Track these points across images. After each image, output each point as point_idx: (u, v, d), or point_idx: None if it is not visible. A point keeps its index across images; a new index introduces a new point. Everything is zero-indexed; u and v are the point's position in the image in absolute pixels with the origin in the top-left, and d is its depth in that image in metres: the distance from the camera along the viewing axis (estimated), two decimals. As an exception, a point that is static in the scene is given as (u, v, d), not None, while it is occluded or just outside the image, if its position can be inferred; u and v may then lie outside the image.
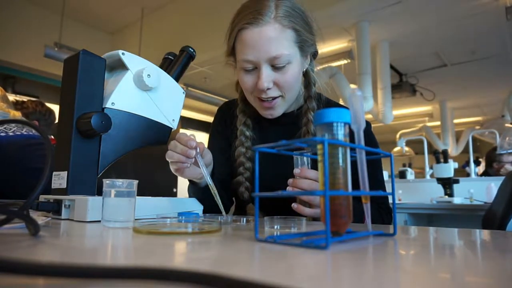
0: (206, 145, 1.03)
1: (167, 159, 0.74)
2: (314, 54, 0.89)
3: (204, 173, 0.72)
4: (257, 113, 0.92)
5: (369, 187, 0.84)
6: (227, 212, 0.87)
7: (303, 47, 0.80)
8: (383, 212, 0.83)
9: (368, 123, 0.89)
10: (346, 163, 0.40)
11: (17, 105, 1.78)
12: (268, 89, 0.79)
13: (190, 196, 0.89)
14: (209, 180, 0.72)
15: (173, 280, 0.19)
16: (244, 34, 0.76)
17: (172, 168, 0.76)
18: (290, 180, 0.67)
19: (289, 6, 0.78)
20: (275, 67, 0.77)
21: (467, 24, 3.70)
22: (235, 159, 0.91)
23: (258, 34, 0.75)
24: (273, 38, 0.75)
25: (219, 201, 0.70)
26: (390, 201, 0.47)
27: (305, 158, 0.69)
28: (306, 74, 0.89)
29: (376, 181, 0.84)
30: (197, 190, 0.83)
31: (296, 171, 0.67)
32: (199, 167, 0.73)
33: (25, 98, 2.09)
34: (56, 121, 1.90)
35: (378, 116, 4.64)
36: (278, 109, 0.84)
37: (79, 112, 0.66)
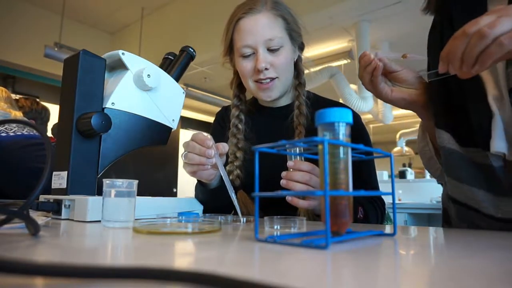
0: None
1: (185, 161, 0.74)
2: (301, 47, 0.96)
3: (222, 174, 0.72)
4: (250, 108, 0.99)
5: (362, 183, 0.85)
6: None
7: (292, 35, 0.89)
8: (376, 205, 0.85)
9: (357, 116, 0.91)
10: (347, 163, 0.40)
11: None
12: (266, 69, 0.86)
13: (197, 196, 0.89)
14: (227, 182, 0.71)
15: (173, 280, 0.19)
16: (241, 23, 0.86)
17: (188, 170, 0.76)
18: (283, 173, 0.68)
19: (277, 2, 0.89)
20: (270, 50, 0.86)
21: (467, 24, 3.69)
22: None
23: (254, 20, 0.85)
24: (266, 23, 0.85)
25: (236, 201, 0.70)
26: (390, 200, 0.47)
27: (298, 151, 0.69)
28: (295, 65, 0.95)
29: (369, 177, 0.89)
30: (206, 191, 0.84)
31: (289, 163, 0.68)
32: (216, 168, 0.74)
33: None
34: (51, 118, 1.90)
35: (378, 116, 4.64)
36: (275, 91, 0.90)
37: (79, 112, 0.66)
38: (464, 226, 0.63)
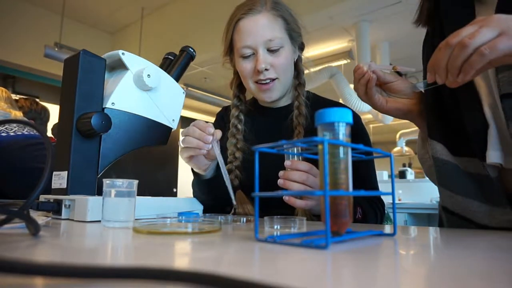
0: None
1: (182, 145, 0.76)
2: (301, 47, 0.96)
3: (219, 160, 0.73)
4: (250, 108, 0.99)
5: (362, 183, 0.85)
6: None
7: (292, 35, 0.89)
8: (375, 205, 0.85)
9: (357, 116, 0.92)
10: (347, 163, 0.40)
11: None
12: (266, 70, 0.86)
13: (194, 190, 0.90)
14: (223, 168, 0.73)
15: (173, 280, 0.19)
16: (241, 23, 0.86)
17: (184, 154, 0.77)
18: (281, 173, 0.69)
19: (277, 2, 0.89)
20: (270, 51, 0.86)
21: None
22: (226, 149, 0.94)
23: (254, 21, 0.85)
24: (266, 24, 0.85)
25: (230, 186, 0.72)
26: (390, 200, 0.47)
27: (296, 151, 0.69)
28: (295, 65, 0.95)
29: (369, 177, 0.89)
30: (202, 182, 0.85)
31: (287, 163, 0.68)
32: (213, 156, 0.76)
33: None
34: (51, 118, 1.90)
35: (378, 116, 4.63)
36: (275, 92, 0.90)
37: (79, 112, 0.66)
38: None
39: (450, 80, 0.48)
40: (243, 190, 0.91)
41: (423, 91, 0.65)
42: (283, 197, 0.68)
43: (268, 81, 0.87)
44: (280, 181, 0.68)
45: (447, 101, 0.61)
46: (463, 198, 0.59)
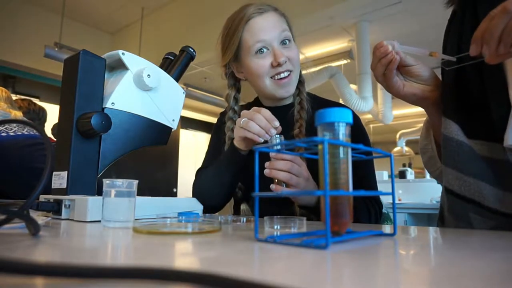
0: (206, 148, 1.05)
1: (241, 127, 0.75)
2: None
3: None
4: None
5: (360, 182, 0.86)
6: (223, 205, 0.90)
7: (292, 34, 0.93)
8: (371, 205, 0.85)
9: (356, 116, 0.92)
10: (347, 163, 0.40)
11: None
12: (285, 62, 0.87)
13: (219, 169, 0.89)
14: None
15: (173, 280, 0.19)
16: (253, 21, 0.88)
17: (240, 134, 0.77)
18: (267, 163, 0.70)
19: (276, 8, 0.93)
20: (283, 45, 0.88)
21: (467, 24, 3.68)
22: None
23: (266, 18, 0.88)
24: (277, 20, 0.89)
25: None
26: (390, 200, 0.47)
27: (278, 139, 0.71)
28: None
29: (368, 177, 0.89)
30: (235, 156, 0.83)
31: (272, 153, 0.70)
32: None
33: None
34: (50, 118, 1.90)
35: (378, 116, 4.63)
36: (292, 86, 0.91)
37: (79, 112, 0.66)
38: (454, 222, 0.62)
39: (501, 51, 0.44)
40: (248, 201, 0.92)
41: (446, 68, 0.61)
42: (270, 187, 0.70)
43: (286, 73, 0.88)
44: (266, 171, 0.69)
45: (471, 83, 0.58)
46: (474, 179, 0.57)
